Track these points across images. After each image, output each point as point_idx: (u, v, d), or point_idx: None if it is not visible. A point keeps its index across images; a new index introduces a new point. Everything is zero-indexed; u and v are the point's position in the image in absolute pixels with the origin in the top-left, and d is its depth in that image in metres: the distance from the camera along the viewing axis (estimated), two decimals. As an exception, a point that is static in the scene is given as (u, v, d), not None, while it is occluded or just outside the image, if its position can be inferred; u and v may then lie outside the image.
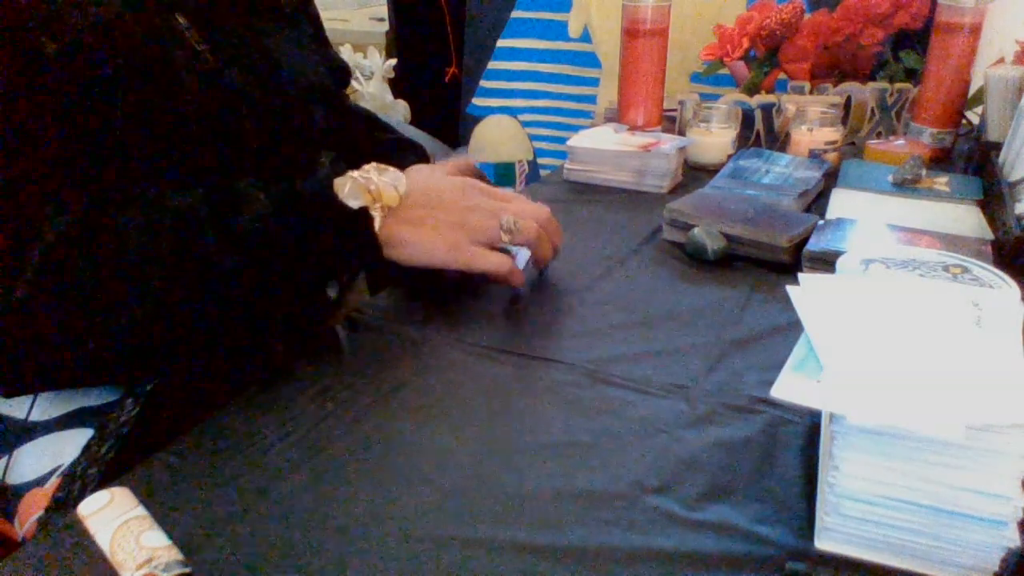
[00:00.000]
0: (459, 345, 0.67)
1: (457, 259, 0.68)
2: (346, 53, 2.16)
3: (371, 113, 1.00)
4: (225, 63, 0.67)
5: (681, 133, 1.23)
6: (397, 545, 0.45)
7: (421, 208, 0.67)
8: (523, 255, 0.75)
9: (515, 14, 1.94)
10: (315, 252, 0.63)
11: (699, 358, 0.65)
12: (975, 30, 1.08)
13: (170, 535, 0.44)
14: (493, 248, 0.70)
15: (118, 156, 0.60)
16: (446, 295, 0.76)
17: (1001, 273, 0.54)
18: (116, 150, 0.60)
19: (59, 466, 0.63)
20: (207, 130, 0.65)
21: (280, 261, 0.61)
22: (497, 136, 2.05)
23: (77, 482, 0.58)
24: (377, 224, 0.65)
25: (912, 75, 1.30)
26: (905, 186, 0.97)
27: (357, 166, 0.67)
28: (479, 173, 0.78)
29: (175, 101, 0.63)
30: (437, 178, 0.71)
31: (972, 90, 1.15)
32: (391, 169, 0.66)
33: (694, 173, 1.12)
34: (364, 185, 0.64)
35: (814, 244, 0.79)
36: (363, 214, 0.64)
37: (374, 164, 0.66)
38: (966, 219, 0.88)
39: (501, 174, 2.05)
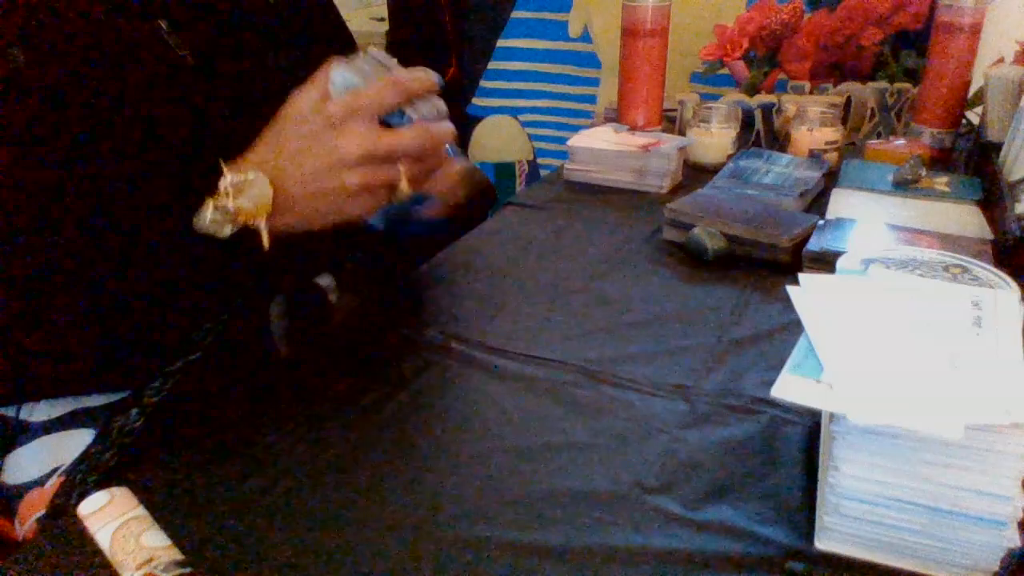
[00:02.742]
0: (459, 345, 0.67)
1: (369, 215, 0.62)
2: (346, 53, 2.16)
3: None
4: (208, 67, 0.67)
5: (681, 133, 1.23)
6: (397, 545, 0.45)
7: (301, 196, 0.59)
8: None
9: (515, 14, 1.94)
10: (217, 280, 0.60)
11: (699, 358, 0.65)
12: (975, 30, 1.08)
13: (170, 535, 0.44)
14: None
15: (92, 163, 0.60)
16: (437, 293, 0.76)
17: (1001, 273, 0.54)
18: (90, 157, 0.60)
19: (59, 466, 0.63)
20: (189, 135, 0.65)
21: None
22: (497, 136, 2.05)
23: (76, 489, 0.58)
24: (264, 234, 0.58)
25: (912, 75, 1.30)
26: (905, 186, 0.97)
27: None
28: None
29: (153, 107, 0.63)
30: (294, 145, 0.60)
31: (972, 90, 1.15)
32: (251, 178, 0.57)
33: (694, 173, 1.12)
34: (223, 215, 0.57)
35: (814, 244, 0.79)
36: (248, 232, 0.58)
37: (231, 178, 0.57)
38: (966, 219, 0.88)
39: (501, 174, 2.05)
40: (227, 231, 0.57)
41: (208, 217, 0.56)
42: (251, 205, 0.57)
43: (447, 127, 0.62)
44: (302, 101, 0.59)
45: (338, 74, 0.60)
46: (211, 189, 0.57)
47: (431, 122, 0.61)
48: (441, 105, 0.62)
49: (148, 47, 0.63)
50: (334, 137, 0.58)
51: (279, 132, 0.60)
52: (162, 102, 0.63)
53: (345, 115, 0.58)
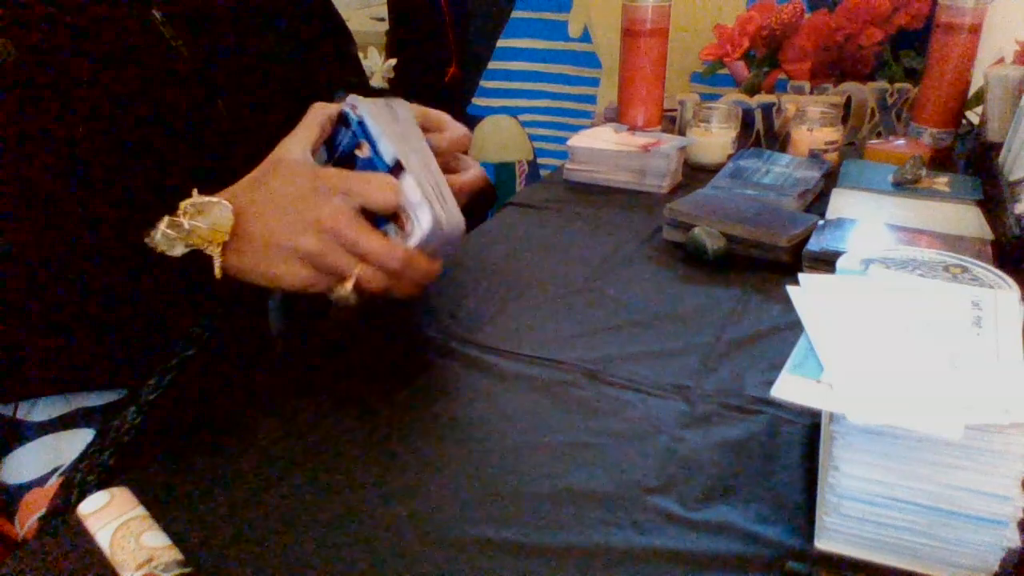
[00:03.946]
0: (459, 345, 0.67)
1: (308, 290, 0.59)
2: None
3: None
4: (203, 58, 0.67)
5: (681, 133, 1.23)
6: (397, 545, 0.45)
7: (259, 237, 0.57)
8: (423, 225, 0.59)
9: (515, 14, 1.94)
10: (162, 301, 0.58)
11: (699, 358, 0.65)
12: (975, 30, 1.08)
13: (170, 535, 0.44)
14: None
15: (86, 157, 0.60)
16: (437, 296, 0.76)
17: (1001, 273, 0.54)
18: (82, 151, 0.60)
19: (59, 466, 0.63)
20: (183, 127, 0.65)
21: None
22: (497, 136, 2.05)
23: (75, 489, 0.58)
24: (216, 264, 0.56)
25: (912, 75, 1.30)
26: (905, 186, 0.97)
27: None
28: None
29: (148, 100, 0.62)
30: (275, 192, 0.58)
31: (972, 90, 1.15)
32: (214, 202, 0.56)
33: (694, 173, 1.12)
34: (176, 232, 0.55)
35: (814, 244, 0.79)
36: (197, 256, 0.56)
37: (192, 200, 0.55)
38: (966, 219, 0.88)
39: (501, 174, 2.05)
40: (178, 250, 0.55)
41: (160, 233, 0.55)
42: (206, 227, 0.55)
43: (425, 266, 0.59)
44: (297, 152, 0.58)
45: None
46: (173, 208, 0.55)
47: (426, 253, 0.58)
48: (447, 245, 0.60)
49: (142, 38, 0.63)
50: (313, 201, 0.56)
51: (265, 175, 0.58)
52: (157, 94, 0.63)
53: (335, 188, 0.56)
